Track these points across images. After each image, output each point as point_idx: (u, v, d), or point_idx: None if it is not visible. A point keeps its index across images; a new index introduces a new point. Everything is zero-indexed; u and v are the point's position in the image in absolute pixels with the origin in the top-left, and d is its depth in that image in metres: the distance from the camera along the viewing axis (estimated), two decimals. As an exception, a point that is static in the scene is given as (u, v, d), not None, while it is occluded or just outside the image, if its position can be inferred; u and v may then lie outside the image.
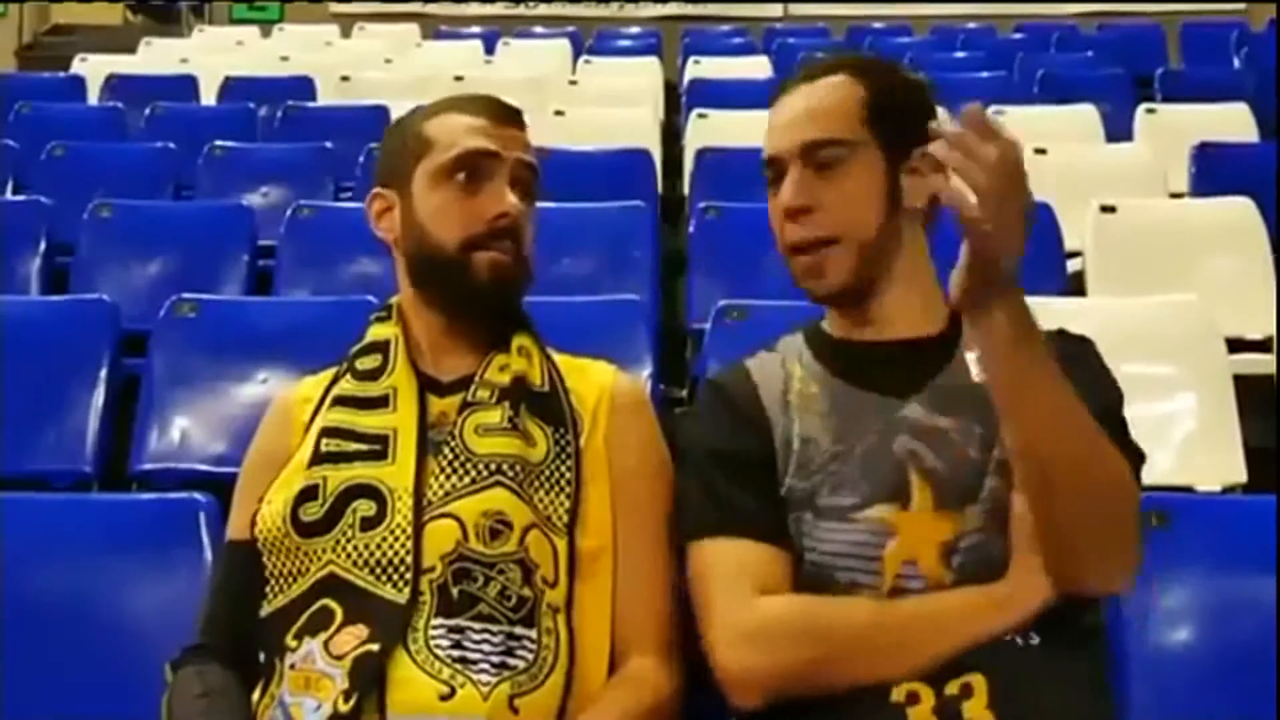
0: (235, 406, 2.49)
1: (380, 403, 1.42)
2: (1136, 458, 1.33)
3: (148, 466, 2.46)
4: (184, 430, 2.49)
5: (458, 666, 1.27)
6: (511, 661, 1.28)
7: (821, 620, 1.29)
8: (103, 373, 2.55)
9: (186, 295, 2.67)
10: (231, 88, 5.87)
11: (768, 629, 1.29)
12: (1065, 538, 1.25)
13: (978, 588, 1.28)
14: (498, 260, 1.42)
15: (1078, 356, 1.37)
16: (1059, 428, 1.22)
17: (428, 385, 1.44)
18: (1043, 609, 1.26)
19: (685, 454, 1.44)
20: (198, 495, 1.75)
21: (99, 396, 2.53)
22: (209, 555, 1.65)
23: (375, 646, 1.27)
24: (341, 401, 1.44)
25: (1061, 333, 1.43)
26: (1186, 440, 2.42)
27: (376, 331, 1.49)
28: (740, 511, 1.35)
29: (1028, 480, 1.26)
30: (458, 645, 1.28)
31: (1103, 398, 1.33)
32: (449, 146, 1.44)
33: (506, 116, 1.48)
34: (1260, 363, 2.89)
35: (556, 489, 1.38)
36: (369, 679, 1.26)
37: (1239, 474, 2.45)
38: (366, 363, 1.46)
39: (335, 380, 1.48)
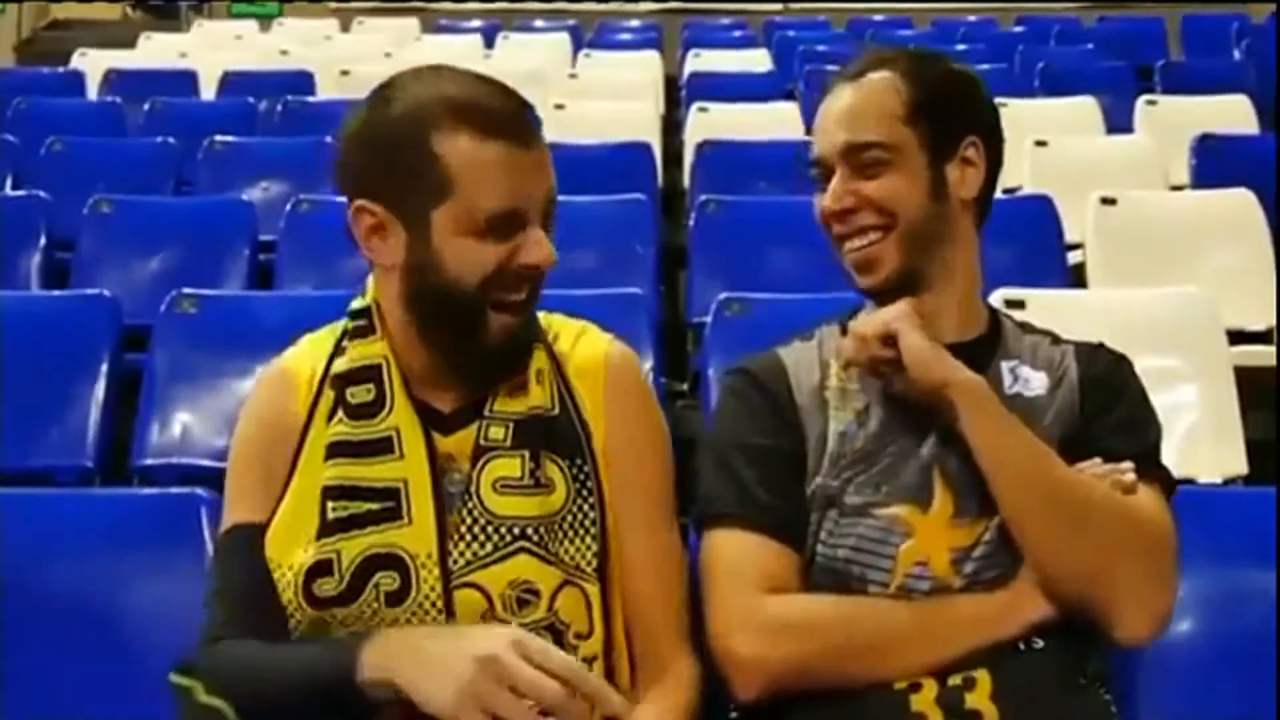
0: (236, 401, 2.45)
1: (384, 448, 1.30)
2: (1169, 488, 1.36)
3: (149, 461, 2.46)
4: (185, 425, 2.49)
5: None
6: None
7: (824, 619, 1.30)
8: (104, 368, 2.55)
9: (187, 290, 2.67)
10: (231, 82, 5.87)
11: (770, 624, 1.30)
12: (1066, 594, 1.29)
13: (982, 595, 1.30)
14: (508, 324, 1.29)
15: (1117, 389, 1.40)
16: (1033, 498, 1.28)
17: (428, 419, 1.31)
18: (1043, 621, 1.28)
19: (709, 437, 1.45)
20: (199, 490, 1.74)
21: (100, 392, 2.53)
22: (210, 549, 1.65)
23: None
24: (340, 450, 1.30)
25: (1102, 348, 1.44)
26: (1188, 432, 2.44)
27: (362, 352, 1.34)
28: (760, 505, 1.36)
29: (1020, 543, 1.30)
30: None
31: (1139, 438, 1.37)
32: (478, 195, 1.26)
33: (528, 134, 1.29)
34: (1261, 355, 2.90)
35: (581, 532, 1.31)
36: None
37: (1240, 466, 2.46)
38: (358, 395, 1.32)
39: (321, 389, 1.34)
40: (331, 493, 1.29)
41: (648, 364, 2.48)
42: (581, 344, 1.40)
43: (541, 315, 1.39)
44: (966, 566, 1.31)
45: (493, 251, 1.27)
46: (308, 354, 1.39)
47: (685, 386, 2.94)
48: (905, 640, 1.28)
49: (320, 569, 1.27)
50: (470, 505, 1.28)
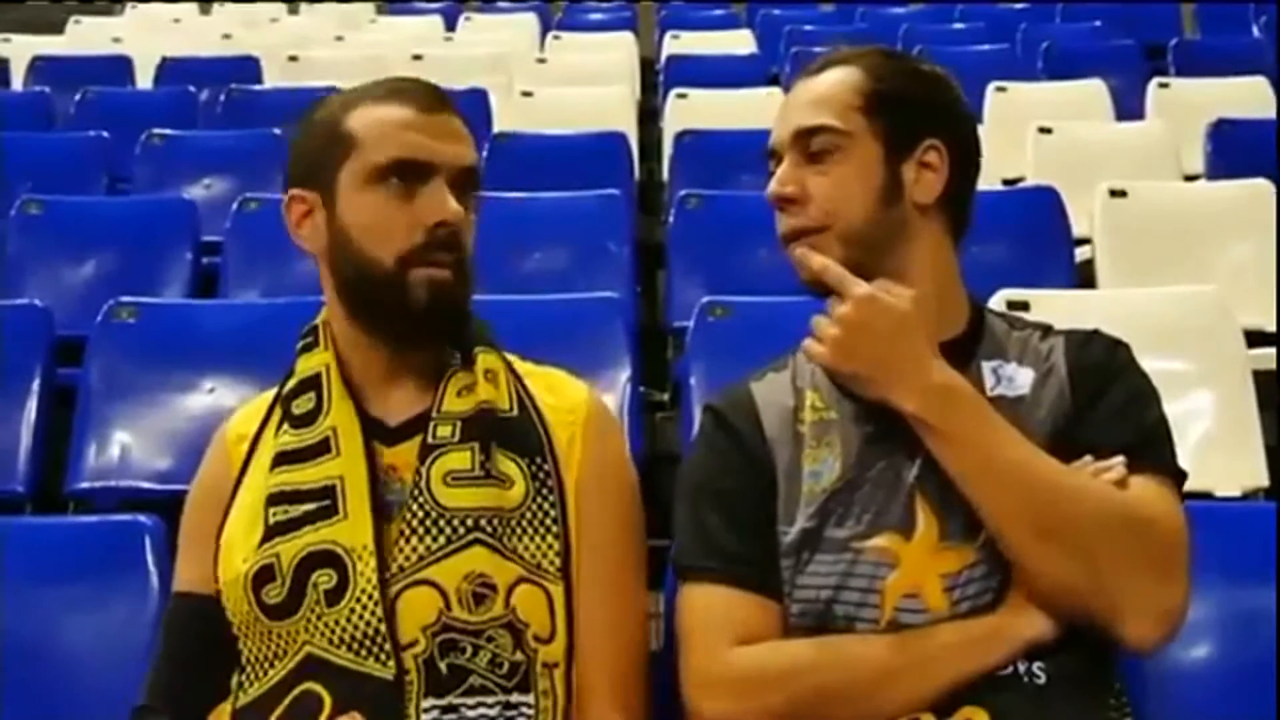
0: (180, 419, 2.49)
1: (321, 449, 1.39)
2: (1176, 479, 1.36)
3: (86, 485, 2.45)
4: (125, 445, 2.49)
5: None
6: None
7: (793, 666, 1.32)
8: (35, 384, 2.55)
9: (125, 298, 2.67)
10: (169, 69, 5.86)
11: (737, 678, 1.32)
12: (1062, 607, 1.30)
13: (964, 622, 1.31)
14: (437, 278, 1.37)
15: (1110, 376, 1.40)
16: (1012, 510, 1.29)
17: (370, 431, 1.40)
18: (1036, 641, 1.29)
19: (681, 482, 1.47)
20: (141, 516, 1.75)
21: (31, 410, 2.52)
22: (155, 581, 1.66)
23: None
24: (283, 459, 1.41)
25: (1096, 335, 1.46)
26: (1203, 442, 2.44)
27: (305, 364, 1.45)
28: (728, 555, 1.38)
29: (1007, 558, 1.31)
30: None
31: (1133, 425, 1.37)
32: (377, 146, 1.38)
33: (435, 102, 1.42)
34: (1269, 357, 2.89)
35: (542, 530, 1.37)
36: None
37: (1260, 477, 2.47)
38: (301, 405, 1.43)
39: (270, 414, 1.46)
40: (273, 499, 1.39)
41: (624, 373, 2.49)
42: (558, 386, 1.49)
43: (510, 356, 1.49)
44: (961, 593, 1.33)
45: (393, 208, 1.37)
46: (248, 413, 1.51)
47: (665, 397, 2.96)
48: (884, 678, 1.29)
49: (264, 575, 1.35)
50: (420, 500, 1.35)
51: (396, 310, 1.38)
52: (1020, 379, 1.41)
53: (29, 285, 3.27)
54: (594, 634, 1.39)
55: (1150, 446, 1.36)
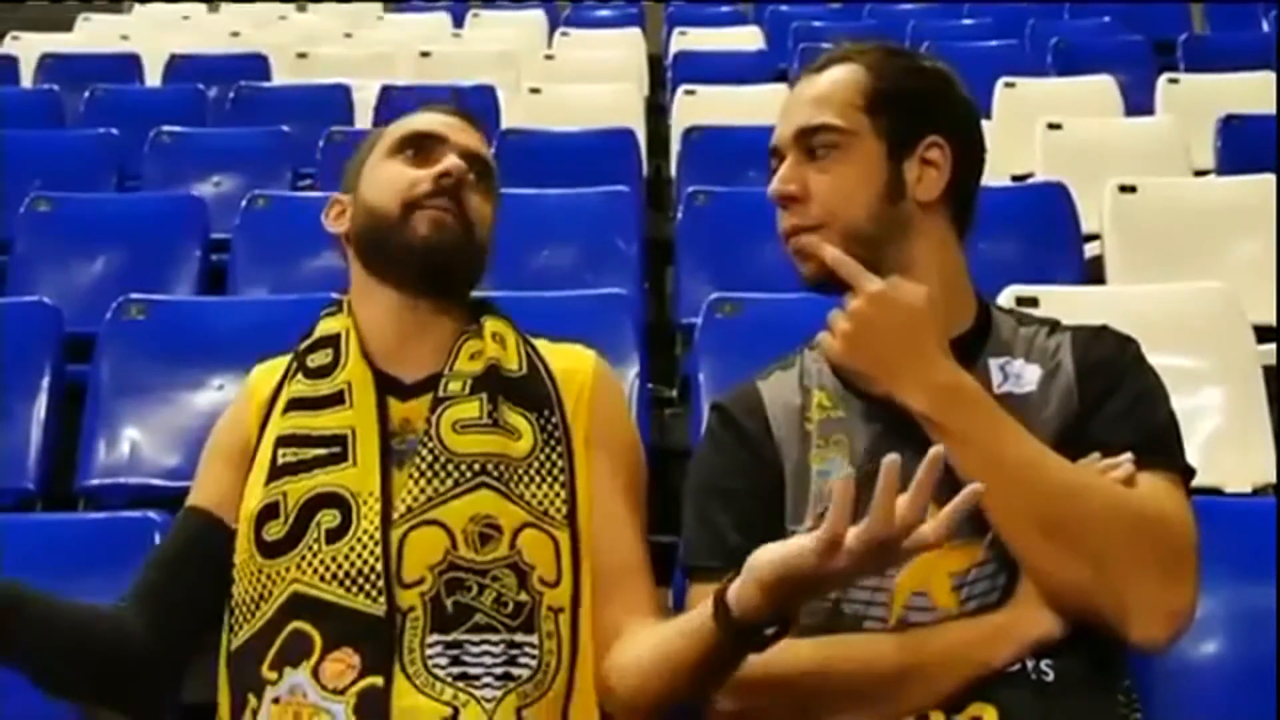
0: (190, 415, 2.49)
1: (335, 400, 1.47)
2: (1185, 477, 1.36)
3: (96, 482, 2.46)
4: (135, 442, 2.49)
5: (460, 685, 1.31)
6: (515, 671, 1.33)
7: (797, 667, 1.32)
8: (44, 381, 2.55)
9: (134, 295, 2.67)
10: (178, 67, 5.88)
11: (748, 678, 1.31)
12: (1070, 606, 1.29)
13: (972, 620, 1.32)
14: (438, 216, 1.49)
15: (1118, 374, 1.40)
16: (1020, 509, 1.30)
17: (387, 387, 1.47)
18: (1043, 640, 1.29)
19: (688, 481, 1.48)
20: (151, 513, 1.76)
21: (41, 407, 2.52)
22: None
23: (379, 680, 1.30)
24: (295, 405, 1.48)
25: (1104, 331, 1.46)
26: (1213, 438, 2.43)
27: (326, 325, 1.54)
28: (736, 555, 1.36)
29: (1015, 557, 1.31)
30: (457, 661, 1.32)
31: (1142, 424, 1.37)
32: (398, 129, 1.57)
33: (458, 109, 1.59)
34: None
35: (550, 479, 1.43)
36: (377, 717, 1.29)
37: (1270, 474, 2.45)
38: (317, 359, 1.51)
39: (287, 374, 1.52)
40: (283, 440, 1.47)
41: (633, 369, 2.49)
42: (565, 353, 1.55)
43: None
44: (969, 591, 1.33)
45: (406, 168, 1.52)
46: (269, 369, 1.57)
47: (674, 393, 2.96)
48: (892, 677, 1.29)
49: (269, 512, 1.42)
50: (430, 445, 1.40)
51: (401, 248, 1.49)
52: (1027, 376, 1.41)
53: (39, 283, 3.27)
54: (627, 567, 1.45)
55: (1159, 445, 1.36)
